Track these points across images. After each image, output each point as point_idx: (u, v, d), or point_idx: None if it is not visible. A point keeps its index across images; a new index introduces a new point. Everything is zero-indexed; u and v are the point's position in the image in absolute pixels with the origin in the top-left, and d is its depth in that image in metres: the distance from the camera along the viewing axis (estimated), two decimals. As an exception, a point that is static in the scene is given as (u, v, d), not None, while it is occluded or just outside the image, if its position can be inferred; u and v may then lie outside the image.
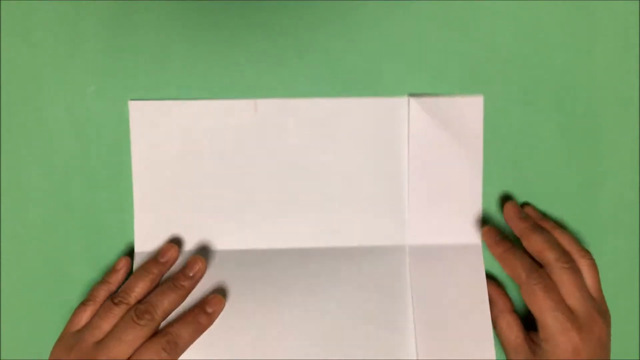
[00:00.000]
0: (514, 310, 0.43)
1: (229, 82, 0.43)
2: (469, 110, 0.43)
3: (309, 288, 0.43)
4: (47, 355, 0.45)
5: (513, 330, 0.42)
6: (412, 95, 0.43)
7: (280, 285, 0.43)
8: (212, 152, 0.43)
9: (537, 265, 0.41)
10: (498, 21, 0.43)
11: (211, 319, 0.41)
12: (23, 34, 0.43)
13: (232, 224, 0.44)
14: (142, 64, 0.43)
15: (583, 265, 0.41)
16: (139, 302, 0.41)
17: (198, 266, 0.42)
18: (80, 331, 0.40)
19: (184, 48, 0.43)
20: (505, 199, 0.44)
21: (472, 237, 0.44)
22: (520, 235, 0.42)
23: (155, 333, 0.40)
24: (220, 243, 0.44)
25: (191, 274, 0.42)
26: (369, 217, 0.44)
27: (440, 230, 0.44)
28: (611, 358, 0.46)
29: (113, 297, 0.41)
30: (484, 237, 0.44)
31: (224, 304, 0.42)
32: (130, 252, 0.44)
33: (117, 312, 0.40)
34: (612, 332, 0.45)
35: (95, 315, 0.41)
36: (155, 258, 0.42)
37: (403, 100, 0.43)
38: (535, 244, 0.41)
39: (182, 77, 0.43)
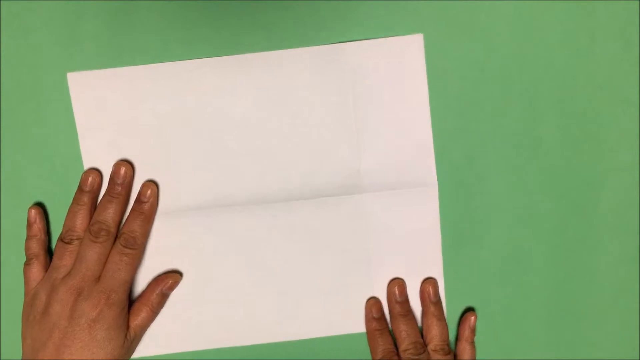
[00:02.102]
0: None
1: (229, 82, 0.43)
2: (410, 50, 0.43)
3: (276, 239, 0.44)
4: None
5: None
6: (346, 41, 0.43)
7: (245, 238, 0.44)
8: (163, 118, 0.43)
9: (397, 354, 0.44)
10: (498, 21, 0.43)
11: (151, 204, 0.43)
12: (23, 34, 0.43)
13: (188, 185, 0.44)
14: (142, 63, 0.43)
15: (437, 358, 0.43)
16: (89, 225, 0.42)
17: (123, 171, 0.43)
18: (45, 278, 0.42)
19: (184, 48, 0.43)
20: (507, 198, 0.44)
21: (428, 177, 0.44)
22: (390, 317, 0.45)
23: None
24: (179, 203, 0.44)
25: (120, 181, 0.43)
26: (324, 170, 0.44)
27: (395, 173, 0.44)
28: (609, 358, 0.46)
29: (63, 238, 0.42)
30: (366, 309, 0.45)
31: (156, 188, 0.43)
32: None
33: (72, 248, 0.42)
34: (612, 332, 0.46)
35: (54, 259, 0.42)
36: (80, 189, 0.43)
37: (339, 47, 0.43)
38: (396, 329, 0.44)
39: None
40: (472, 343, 0.45)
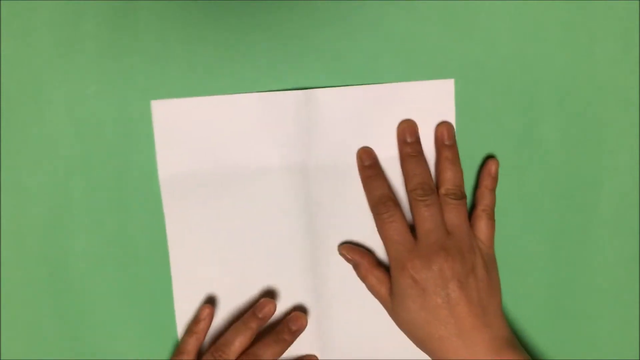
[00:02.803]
0: (380, 264, 0.43)
1: (229, 82, 0.43)
2: (440, 94, 0.43)
3: None
4: (44, 355, 0.45)
5: (383, 284, 0.42)
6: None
7: None
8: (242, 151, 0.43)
9: (393, 197, 0.42)
10: (498, 21, 0.43)
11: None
12: (23, 34, 0.43)
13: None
14: (142, 64, 0.43)
15: (448, 203, 0.41)
16: (245, 354, 0.42)
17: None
18: None
19: (184, 48, 0.43)
20: (507, 199, 0.44)
21: None
22: (400, 159, 0.43)
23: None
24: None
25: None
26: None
27: None
28: (609, 358, 0.46)
29: (214, 351, 0.41)
30: (358, 157, 0.43)
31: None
32: (129, 253, 0.44)
33: None
34: (612, 332, 0.45)
35: None
36: (254, 313, 0.42)
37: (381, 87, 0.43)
38: (404, 170, 0.43)
39: (181, 78, 0.43)
40: (493, 190, 0.43)
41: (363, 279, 0.43)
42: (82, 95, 0.43)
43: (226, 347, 0.41)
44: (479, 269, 0.40)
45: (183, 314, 0.44)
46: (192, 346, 0.42)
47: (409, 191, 0.42)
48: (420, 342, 0.41)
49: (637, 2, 0.43)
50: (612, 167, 0.44)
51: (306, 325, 0.43)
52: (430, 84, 0.43)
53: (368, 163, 0.43)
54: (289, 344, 0.43)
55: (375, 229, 0.43)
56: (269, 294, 0.44)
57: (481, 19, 0.43)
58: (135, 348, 0.45)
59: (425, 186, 0.41)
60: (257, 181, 0.44)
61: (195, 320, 0.43)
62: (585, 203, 0.45)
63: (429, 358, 0.42)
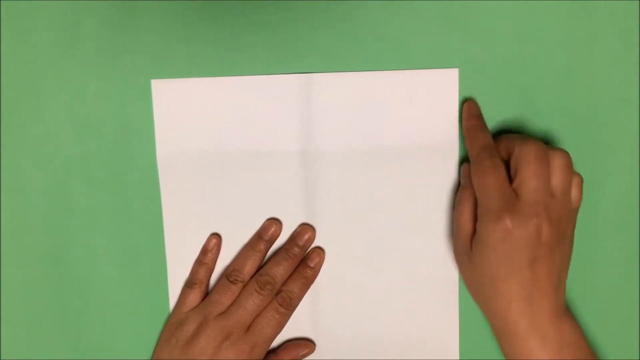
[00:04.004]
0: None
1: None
2: (444, 83, 0.43)
3: None
4: (44, 355, 0.45)
5: (471, 223, 0.40)
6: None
7: None
8: (240, 131, 0.43)
9: (495, 148, 0.40)
10: (498, 21, 0.43)
11: (315, 271, 0.44)
12: (23, 34, 0.43)
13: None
14: (142, 64, 0.43)
15: (556, 166, 0.39)
16: (258, 274, 0.43)
17: (308, 235, 0.43)
18: (200, 307, 0.43)
19: (184, 48, 0.43)
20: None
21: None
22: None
23: None
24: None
25: (301, 243, 0.43)
26: None
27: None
28: (609, 358, 0.46)
29: (228, 276, 0.43)
30: (464, 108, 0.43)
31: (324, 256, 0.44)
32: (129, 253, 0.44)
33: (235, 289, 0.42)
34: (612, 332, 0.45)
35: (213, 293, 0.43)
36: (260, 236, 0.43)
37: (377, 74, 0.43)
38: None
39: (182, 76, 0.43)
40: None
41: (460, 201, 0.41)
42: (82, 94, 0.43)
43: (238, 271, 0.43)
44: (568, 239, 0.39)
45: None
46: (202, 275, 0.43)
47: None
48: (483, 298, 0.39)
49: (637, 2, 0.43)
50: (612, 167, 0.44)
51: (314, 237, 0.44)
52: (434, 73, 0.43)
53: (476, 113, 0.42)
54: (299, 258, 0.43)
55: (374, 218, 0.43)
56: None
57: (481, 19, 0.43)
58: (136, 347, 0.45)
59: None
60: (255, 164, 0.43)
61: (203, 251, 0.44)
62: (586, 203, 0.45)
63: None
